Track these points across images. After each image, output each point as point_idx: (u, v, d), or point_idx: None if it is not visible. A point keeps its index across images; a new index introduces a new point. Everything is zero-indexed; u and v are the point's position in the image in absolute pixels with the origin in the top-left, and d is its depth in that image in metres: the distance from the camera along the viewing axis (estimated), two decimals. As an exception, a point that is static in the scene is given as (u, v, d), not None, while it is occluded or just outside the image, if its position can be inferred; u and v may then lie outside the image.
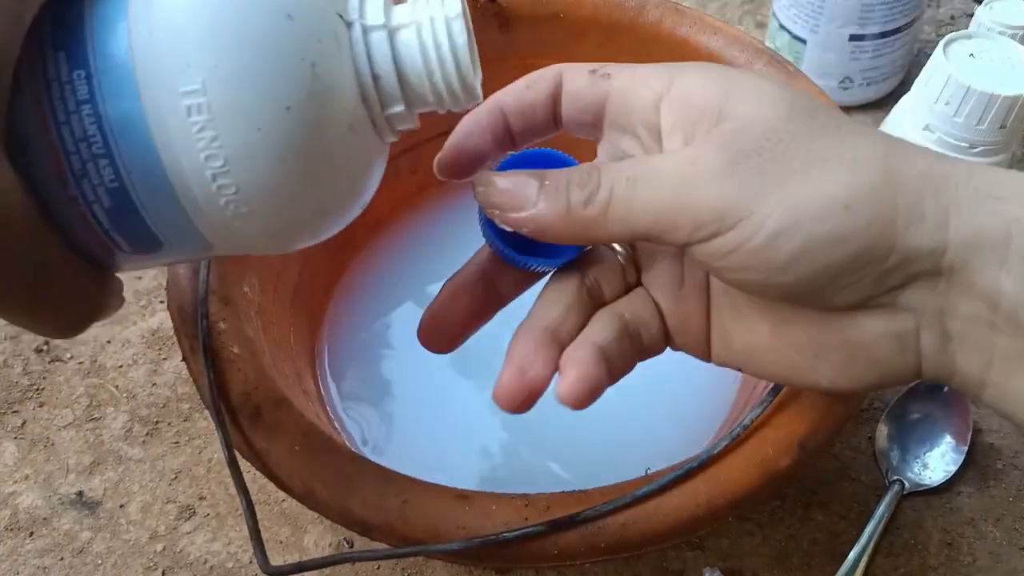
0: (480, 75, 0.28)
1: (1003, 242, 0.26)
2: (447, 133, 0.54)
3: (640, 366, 0.48)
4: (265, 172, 0.24)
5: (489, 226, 0.31)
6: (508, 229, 0.30)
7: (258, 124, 0.24)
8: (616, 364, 0.31)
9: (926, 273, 0.27)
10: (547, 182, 0.29)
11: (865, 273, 0.27)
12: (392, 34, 0.26)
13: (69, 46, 0.24)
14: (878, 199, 0.26)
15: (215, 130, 0.23)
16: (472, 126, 0.33)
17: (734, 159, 0.26)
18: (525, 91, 0.33)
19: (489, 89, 0.53)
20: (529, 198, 0.29)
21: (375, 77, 0.26)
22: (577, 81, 0.32)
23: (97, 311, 0.27)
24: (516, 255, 0.31)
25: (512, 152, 0.33)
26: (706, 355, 0.33)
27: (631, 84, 0.30)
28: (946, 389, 0.52)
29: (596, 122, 0.32)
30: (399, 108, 0.27)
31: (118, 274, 0.28)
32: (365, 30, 0.26)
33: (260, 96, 0.23)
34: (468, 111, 0.32)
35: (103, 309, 0.27)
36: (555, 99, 0.32)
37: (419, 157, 0.55)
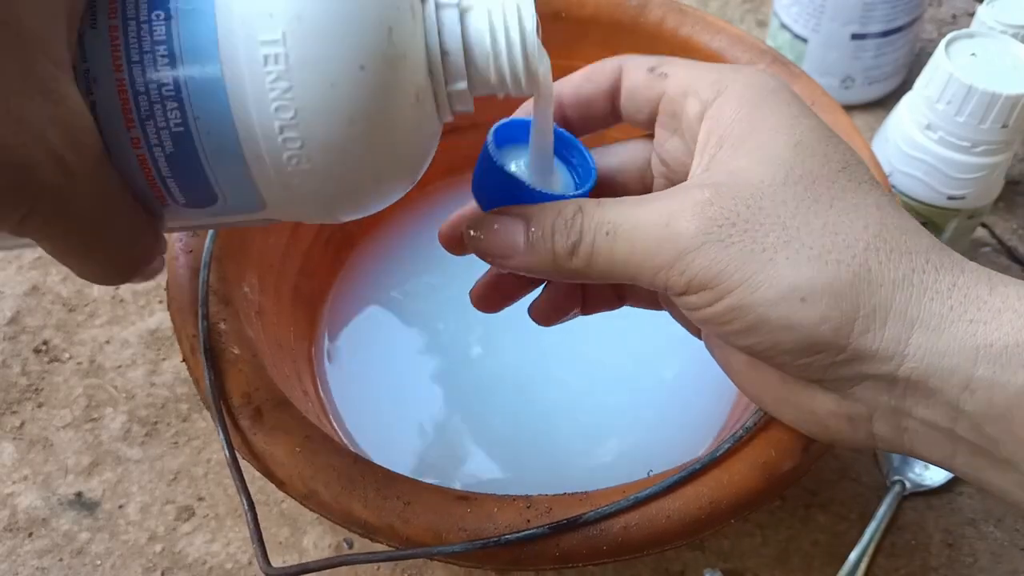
0: (547, 62, 0.29)
1: (967, 366, 0.25)
2: (447, 133, 0.54)
3: (642, 368, 0.48)
4: (332, 128, 0.24)
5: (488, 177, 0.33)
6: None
7: (332, 80, 0.24)
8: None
9: (881, 377, 0.27)
10: (533, 229, 0.29)
11: (814, 360, 0.27)
12: (463, 13, 0.26)
13: None
14: (839, 298, 0.26)
15: (289, 81, 0.23)
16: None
17: (707, 228, 0.26)
18: (584, 83, 0.33)
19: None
20: (517, 247, 0.29)
21: (444, 53, 0.26)
22: (636, 77, 0.32)
23: (147, 259, 0.27)
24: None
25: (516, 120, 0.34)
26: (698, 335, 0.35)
27: (683, 89, 0.31)
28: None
29: (650, 121, 0.33)
30: (462, 85, 0.27)
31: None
32: (438, 5, 0.26)
33: (338, 52, 0.24)
34: (524, 99, 0.33)
35: (151, 259, 0.27)
36: (614, 93, 0.33)
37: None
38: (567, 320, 0.38)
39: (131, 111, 0.24)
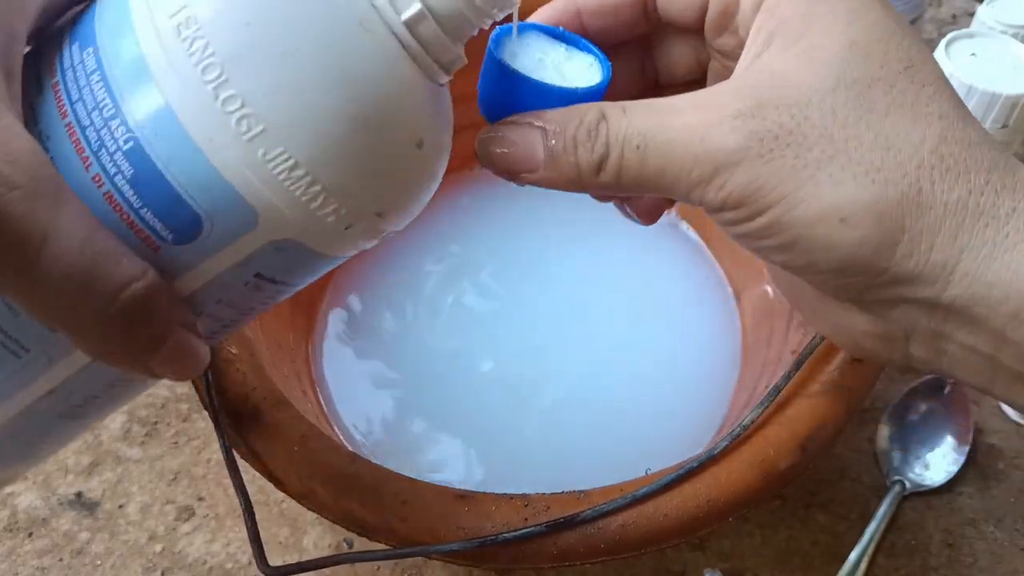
0: None
1: (1019, 296, 0.23)
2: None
3: (641, 366, 0.48)
4: (263, 69, 0.22)
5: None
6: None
7: (249, 18, 0.22)
8: None
9: (922, 301, 0.25)
10: (552, 141, 0.26)
11: (852, 282, 0.25)
12: None
13: (80, 34, 0.24)
14: (882, 219, 0.24)
15: (204, 38, 0.22)
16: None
17: (747, 143, 0.24)
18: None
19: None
20: (535, 161, 0.27)
21: None
22: None
23: (166, 331, 0.24)
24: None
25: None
26: None
27: None
28: (947, 390, 0.51)
29: (698, 20, 0.29)
30: (415, 8, 0.24)
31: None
32: None
33: None
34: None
35: (169, 333, 0.24)
36: None
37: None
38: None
39: (83, 148, 0.23)
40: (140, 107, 0.23)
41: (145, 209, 0.23)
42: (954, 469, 0.49)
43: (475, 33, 0.26)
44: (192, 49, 0.22)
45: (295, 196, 0.23)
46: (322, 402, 0.47)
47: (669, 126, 0.25)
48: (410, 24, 0.24)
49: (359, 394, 0.48)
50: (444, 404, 0.47)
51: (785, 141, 0.24)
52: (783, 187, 0.24)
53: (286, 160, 0.23)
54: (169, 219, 0.23)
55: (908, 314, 0.25)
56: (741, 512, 0.33)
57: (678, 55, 0.31)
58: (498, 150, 0.27)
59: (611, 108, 0.26)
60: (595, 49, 0.29)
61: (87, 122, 0.23)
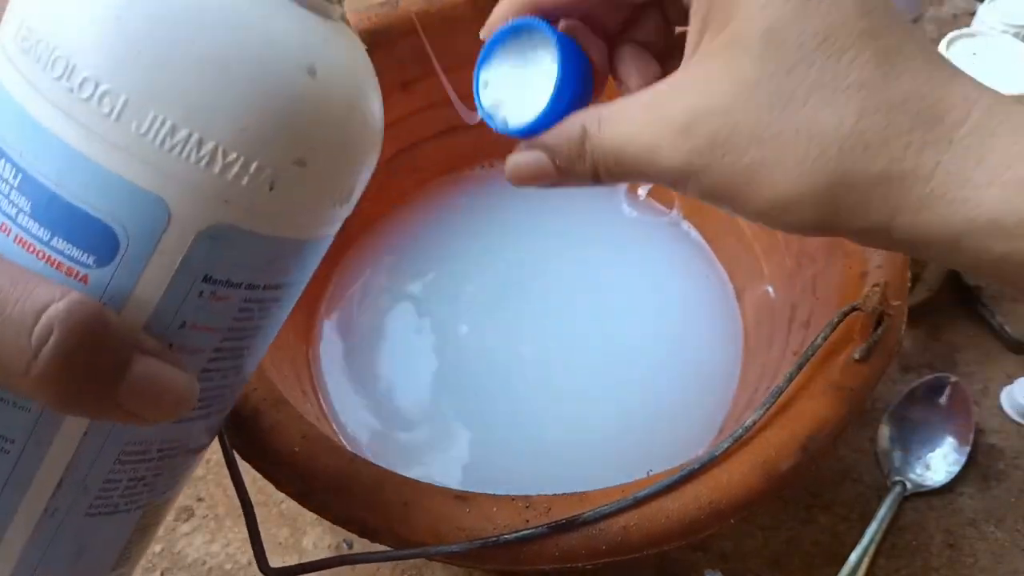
0: None
1: (950, 246, 0.25)
2: (446, 132, 0.54)
3: (642, 367, 0.48)
4: (104, 38, 0.21)
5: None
6: None
7: (74, 2, 0.21)
8: None
9: (878, 241, 0.27)
10: (557, 161, 0.30)
11: (817, 234, 0.28)
12: None
13: None
14: (818, 204, 0.26)
15: (42, 39, 0.21)
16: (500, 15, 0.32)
17: (688, 159, 0.27)
18: None
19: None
20: (552, 175, 0.30)
21: None
22: None
23: (113, 372, 0.22)
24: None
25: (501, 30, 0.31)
26: None
27: None
28: (948, 391, 0.51)
29: None
30: None
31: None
32: None
33: None
34: None
35: (120, 372, 0.22)
36: None
37: (416, 155, 0.55)
38: None
39: None
40: (15, 136, 0.22)
41: (56, 239, 0.22)
42: (955, 469, 0.49)
43: None
44: (37, 54, 0.21)
45: (190, 163, 0.22)
46: (322, 403, 0.47)
47: (631, 141, 0.28)
48: None
49: (359, 395, 0.48)
50: (444, 404, 0.47)
51: (721, 151, 0.26)
52: (731, 190, 0.27)
53: (163, 124, 0.21)
54: (82, 240, 0.22)
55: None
56: (743, 513, 0.33)
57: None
58: (523, 173, 0.31)
59: (590, 121, 0.29)
60: (560, 44, 0.29)
61: None
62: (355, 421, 0.47)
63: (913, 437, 0.50)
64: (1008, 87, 0.44)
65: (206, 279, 0.23)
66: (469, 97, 0.32)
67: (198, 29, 0.21)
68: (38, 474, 0.24)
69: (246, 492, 0.35)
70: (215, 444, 0.35)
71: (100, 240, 0.22)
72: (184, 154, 0.21)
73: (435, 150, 0.55)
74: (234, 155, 0.22)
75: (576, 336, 0.50)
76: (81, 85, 0.21)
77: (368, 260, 0.53)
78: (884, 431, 0.51)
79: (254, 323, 0.25)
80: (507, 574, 0.47)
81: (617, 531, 0.32)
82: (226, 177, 0.22)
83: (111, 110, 0.21)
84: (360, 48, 0.26)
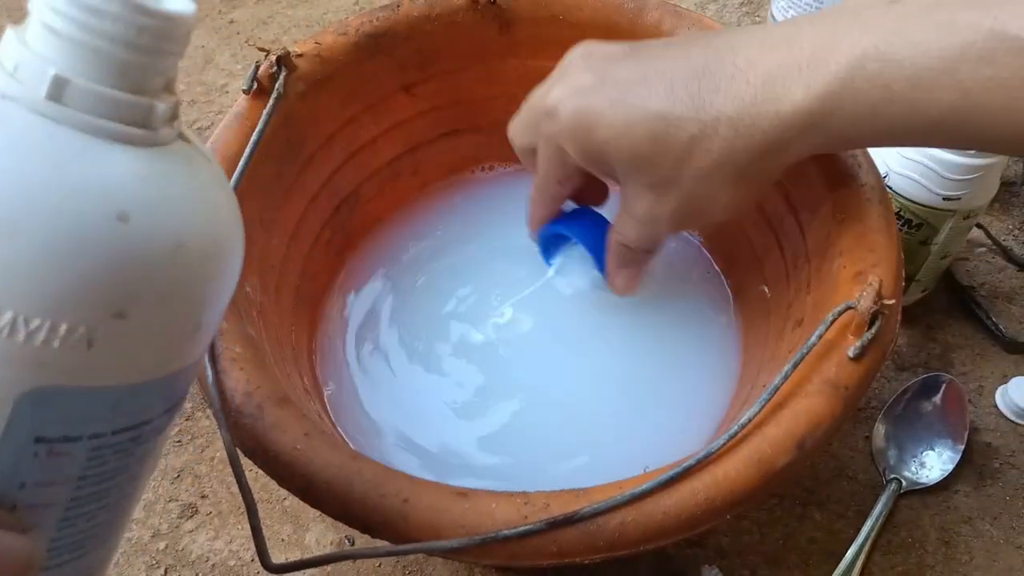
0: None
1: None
2: (448, 135, 0.55)
3: (638, 364, 0.49)
4: None
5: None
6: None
7: None
8: None
9: None
10: (623, 263, 0.46)
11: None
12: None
13: None
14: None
15: None
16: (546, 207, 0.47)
17: None
18: (559, 188, 0.45)
19: (489, 88, 0.54)
20: (636, 269, 0.47)
21: (13, 70, 0.21)
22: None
23: None
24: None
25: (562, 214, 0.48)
26: None
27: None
28: (942, 389, 0.52)
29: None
30: (49, 77, 0.21)
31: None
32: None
33: None
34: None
35: None
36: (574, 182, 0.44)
37: (419, 158, 0.55)
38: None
39: None
40: None
41: None
42: (950, 467, 0.50)
43: (173, 73, 0.23)
44: None
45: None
46: (325, 400, 0.48)
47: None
48: (53, 97, 0.21)
49: (361, 392, 0.48)
50: (446, 402, 0.48)
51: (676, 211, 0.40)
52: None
53: None
54: None
55: None
56: (739, 509, 0.33)
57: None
58: (628, 285, 0.47)
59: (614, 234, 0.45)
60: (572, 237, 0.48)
61: None
62: (357, 419, 0.47)
63: (908, 435, 0.51)
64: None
65: (38, 440, 0.22)
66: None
67: None
68: None
69: (248, 489, 0.35)
70: (218, 442, 0.35)
71: None
72: None
73: (437, 153, 0.56)
74: (37, 321, 0.20)
75: (575, 335, 0.50)
76: None
77: (369, 260, 0.54)
78: (879, 429, 0.51)
79: (111, 465, 0.24)
80: (506, 570, 0.47)
81: (614, 527, 0.32)
82: (33, 344, 0.20)
83: None
84: (201, 165, 0.24)
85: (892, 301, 0.36)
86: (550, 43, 0.52)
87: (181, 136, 0.24)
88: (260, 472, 0.36)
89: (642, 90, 0.37)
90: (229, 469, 0.36)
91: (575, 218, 0.48)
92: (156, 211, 0.22)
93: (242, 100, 0.45)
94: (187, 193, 0.23)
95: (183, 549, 0.48)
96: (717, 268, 0.53)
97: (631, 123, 0.37)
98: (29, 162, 0.20)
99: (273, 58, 0.45)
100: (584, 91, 0.39)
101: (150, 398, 0.24)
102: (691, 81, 0.36)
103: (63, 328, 0.20)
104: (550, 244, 0.50)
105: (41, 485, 0.22)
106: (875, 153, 0.50)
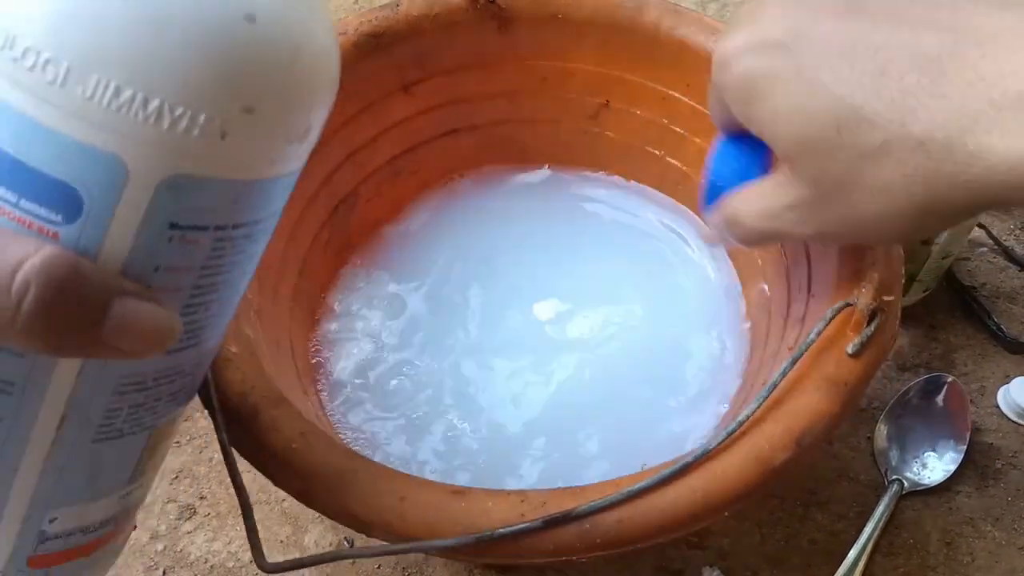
0: None
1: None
2: (449, 134, 0.55)
3: (638, 361, 0.49)
4: (39, 7, 0.21)
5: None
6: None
7: None
8: None
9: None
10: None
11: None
12: None
13: None
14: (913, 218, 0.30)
15: None
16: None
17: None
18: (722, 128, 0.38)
19: (488, 87, 0.54)
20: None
21: None
22: None
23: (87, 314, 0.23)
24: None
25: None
26: None
27: None
28: (945, 389, 0.52)
29: None
30: None
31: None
32: None
33: None
34: None
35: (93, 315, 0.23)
36: None
37: (418, 158, 0.55)
38: None
39: None
40: None
41: (23, 200, 0.23)
42: (952, 468, 0.49)
43: None
44: None
45: (139, 122, 0.22)
46: (321, 400, 0.47)
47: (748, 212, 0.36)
48: None
49: (358, 392, 0.48)
50: (442, 400, 0.48)
51: (813, 225, 0.33)
52: (842, 233, 0.33)
53: (107, 87, 0.22)
54: (48, 201, 0.23)
55: None
56: (737, 507, 0.33)
57: None
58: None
59: (727, 197, 0.37)
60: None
61: None
62: (353, 418, 0.47)
63: (910, 436, 0.51)
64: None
65: (172, 226, 0.24)
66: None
67: None
68: (41, 412, 0.25)
69: (243, 488, 0.35)
70: (215, 443, 0.35)
71: (64, 200, 0.23)
72: (132, 113, 0.22)
73: (437, 152, 0.56)
74: (181, 110, 0.22)
75: (574, 333, 0.50)
76: (24, 55, 0.21)
77: (369, 261, 0.54)
78: (881, 430, 0.51)
79: (229, 259, 0.26)
80: (503, 568, 0.47)
81: (611, 524, 0.32)
82: (176, 131, 0.22)
83: (55, 78, 0.21)
84: None
85: (891, 298, 0.36)
86: (549, 42, 0.52)
87: None
88: (259, 473, 0.36)
89: (843, 67, 0.29)
90: (227, 470, 0.36)
91: (732, 151, 0.38)
92: (278, 15, 0.24)
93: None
94: (305, 7, 0.25)
95: (181, 550, 0.48)
96: (719, 266, 0.53)
97: (815, 101, 0.29)
98: None
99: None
100: (768, 48, 0.31)
101: (264, 197, 0.26)
102: (910, 73, 0.27)
103: (202, 117, 0.22)
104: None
105: (172, 270, 0.25)
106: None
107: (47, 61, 0.21)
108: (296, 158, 0.27)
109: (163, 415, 0.29)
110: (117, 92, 0.22)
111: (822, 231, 0.33)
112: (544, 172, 0.58)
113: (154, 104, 0.22)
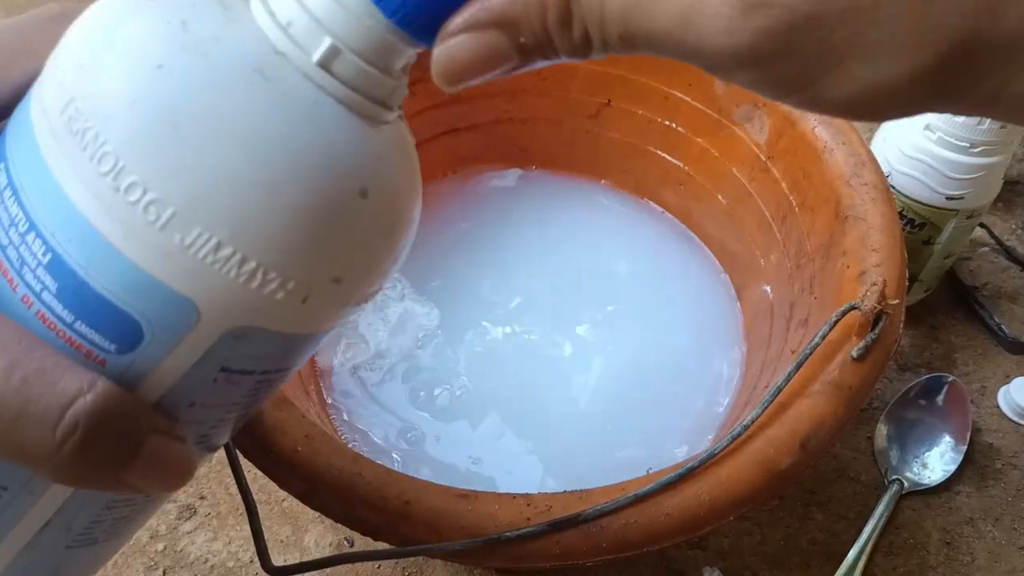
0: None
1: None
2: (449, 133, 0.55)
3: (641, 364, 0.49)
4: (157, 147, 0.20)
5: None
6: None
7: (131, 95, 0.21)
8: None
9: None
10: (522, 39, 0.21)
11: None
12: None
13: None
14: (930, 83, 0.19)
15: (93, 127, 0.21)
16: None
17: (753, 42, 0.20)
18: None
19: (489, 87, 0.54)
20: (510, 60, 0.22)
21: (285, 25, 0.22)
22: None
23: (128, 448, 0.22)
24: None
25: None
26: None
27: None
28: (945, 390, 0.52)
29: None
30: (326, 44, 0.22)
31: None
32: None
33: (128, 61, 0.21)
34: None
35: (134, 450, 0.22)
36: None
37: (419, 157, 0.55)
38: None
39: (7, 268, 0.22)
40: (50, 215, 0.21)
41: (79, 323, 0.22)
42: (952, 468, 0.50)
43: (412, 59, 0.23)
44: (84, 142, 0.21)
45: (230, 278, 0.21)
46: (325, 402, 0.47)
47: (658, 6, 0.20)
48: (324, 64, 0.22)
49: (362, 394, 0.48)
50: (447, 405, 0.47)
51: (802, 29, 0.19)
52: (809, 77, 0.20)
53: (207, 241, 0.21)
54: (105, 329, 0.22)
55: None
56: (742, 511, 0.33)
57: None
58: (462, 65, 0.22)
59: None
60: None
61: (6, 241, 0.22)
62: (357, 421, 0.47)
63: (910, 436, 0.51)
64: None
65: (223, 369, 0.23)
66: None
67: (254, 150, 0.21)
68: (25, 518, 0.24)
69: (249, 492, 0.35)
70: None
71: (124, 331, 0.22)
72: (224, 269, 0.21)
73: (437, 151, 0.55)
74: (274, 275, 0.22)
75: (577, 335, 0.50)
76: (128, 188, 0.21)
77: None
78: (881, 430, 0.51)
79: (259, 396, 0.26)
80: (508, 572, 0.47)
81: (617, 529, 0.32)
82: (263, 292, 0.22)
83: (156, 219, 0.21)
84: (411, 149, 0.25)
85: (896, 301, 0.36)
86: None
87: (400, 115, 0.25)
88: (259, 473, 0.35)
89: None
90: (227, 470, 0.35)
91: None
92: (388, 189, 0.23)
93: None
94: (407, 174, 0.24)
95: (182, 550, 0.48)
96: (720, 268, 0.53)
97: None
98: (296, 126, 0.21)
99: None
100: None
101: (313, 345, 0.25)
102: None
103: (292, 284, 0.22)
104: None
105: (207, 407, 0.24)
106: (878, 151, 0.50)
107: (152, 201, 0.20)
108: (354, 315, 0.26)
109: (139, 523, 0.28)
110: (216, 248, 0.21)
111: (773, 74, 0.20)
112: (543, 173, 0.58)
113: (250, 265, 0.21)
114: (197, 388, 0.23)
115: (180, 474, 0.23)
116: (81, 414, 0.20)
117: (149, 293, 0.21)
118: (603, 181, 0.57)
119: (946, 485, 0.49)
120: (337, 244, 0.22)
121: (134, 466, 0.22)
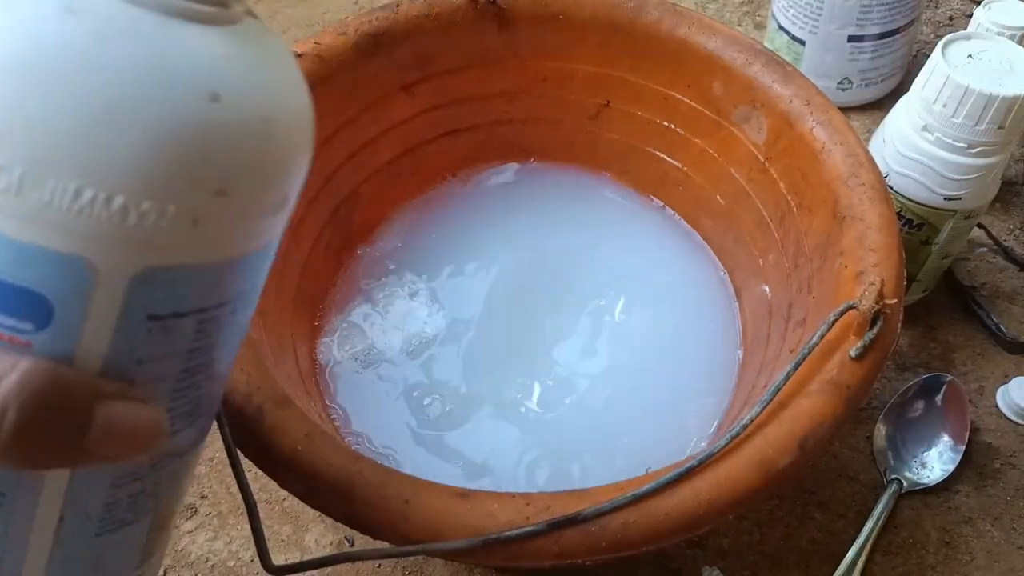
0: None
1: None
2: (449, 134, 0.55)
3: (640, 364, 0.49)
4: None
5: None
6: None
7: None
8: None
9: None
10: None
11: None
12: None
13: None
14: None
15: None
16: None
17: None
18: None
19: (489, 88, 0.54)
20: None
21: None
22: None
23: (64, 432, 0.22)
24: None
25: None
26: None
27: None
28: (944, 389, 0.52)
29: None
30: None
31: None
32: None
33: None
34: None
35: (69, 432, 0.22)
36: None
37: (418, 158, 0.55)
38: None
39: None
40: None
41: None
42: (951, 467, 0.50)
43: None
44: None
45: (104, 222, 0.21)
46: (325, 401, 0.47)
47: None
48: None
49: (362, 393, 0.48)
50: (448, 405, 0.48)
51: None
52: None
53: (65, 190, 0.20)
54: (14, 310, 0.21)
55: None
56: (741, 510, 0.33)
57: None
58: None
59: None
60: None
61: None
62: (358, 420, 0.47)
63: (909, 435, 0.51)
64: (1004, 89, 0.45)
65: (151, 317, 0.22)
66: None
67: (80, 85, 0.20)
68: (37, 517, 0.24)
69: (250, 492, 0.35)
70: (218, 442, 0.35)
71: (32, 307, 0.21)
72: (95, 214, 0.20)
73: (437, 152, 0.56)
74: (147, 204, 0.21)
75: (576, 335, 0.50)
76: None
77: (370, 262, 0.54)
78: (880, 429, 0.51)
79: (215, 337, 0.25)
80: (507, 571, 0.47)
81: (616, 528, 0.32)
82: (144, 226, 0.21)
83: (8, 186, 0.20)
84: (272, 42, 0.24)
85: (894, 301, 0.36)
86: (549, 42, 0.52)
87: (249, 12, 0.24)
88: (259, 472, 0.36)
89: None
90: (228, 469, 0.36)
91: None
92: (243, 89, 0.22)
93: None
94: (267, 68, 0.23)
95: (182, 550, 0.48)
96: (719, 267, 0.53)
97: None
98: (121, 50, 0.20)
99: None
100: None
101: (243, 272, 0.24)
102: None
103: (171, 209, 0.21)
104: None
105: (155, 360, 0.23)
106: (876, 152, 0.50)
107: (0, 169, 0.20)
108: (274, 228, 0.25)
109: (164, 496, 0.27)
110: (76, 195, 0.20)
111: None
112: (543, 172, 0.58)
113: (117, 203, 0.20)
114: (135, 344, 0.23)
115: (148, 435, 0.23)
116: (8, 394, 0.20)
117: (37, 262, 0.21)
118: (606, 174, 0.57)
119: (945, 485, 0.50)
120: (201, 156, 0.21)
121: (89, 436, 0.21)
